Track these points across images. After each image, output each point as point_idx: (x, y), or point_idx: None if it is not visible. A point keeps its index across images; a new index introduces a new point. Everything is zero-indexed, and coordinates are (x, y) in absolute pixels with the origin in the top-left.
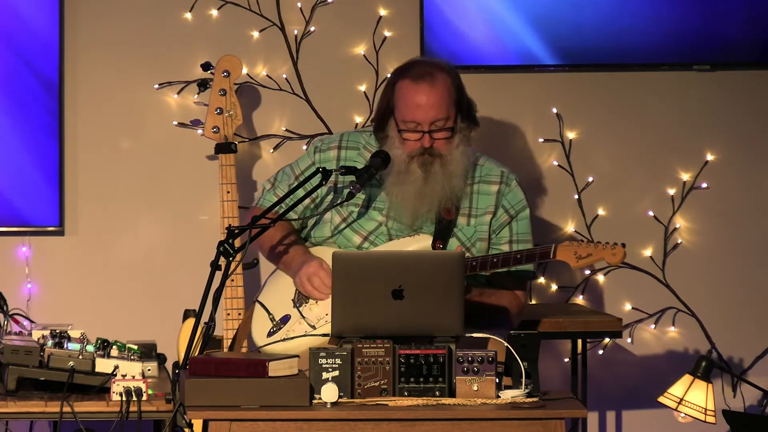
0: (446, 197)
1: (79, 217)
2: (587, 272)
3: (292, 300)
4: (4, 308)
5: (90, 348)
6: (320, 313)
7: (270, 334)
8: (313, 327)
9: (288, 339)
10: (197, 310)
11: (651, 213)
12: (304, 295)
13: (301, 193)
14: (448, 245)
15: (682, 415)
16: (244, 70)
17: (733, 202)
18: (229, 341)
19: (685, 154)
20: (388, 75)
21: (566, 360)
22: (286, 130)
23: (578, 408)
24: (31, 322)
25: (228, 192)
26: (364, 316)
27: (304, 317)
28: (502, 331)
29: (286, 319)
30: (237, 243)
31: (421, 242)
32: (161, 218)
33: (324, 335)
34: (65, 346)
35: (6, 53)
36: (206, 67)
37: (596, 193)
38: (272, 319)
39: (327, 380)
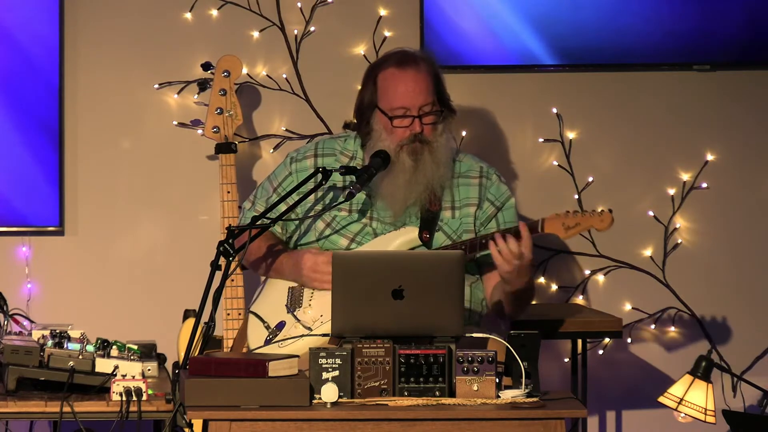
0: (433, 186)
1: (79, 217)
2: (587, 272)
3: (286, 306)
4: (4, 308)
5: (90, 348)
6: (315, 315)
7: (267, 342)
8: (309, 329)
9: (283, 341)
10: (197, 310)
11: (651, 213)
12: (297, 300)
13: (296, 197)
14: (434, 238)
15: (682, 415)
16: (244, 70)
17: (733, 202)
18: (230, 341)
19: (685, 154)
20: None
21: (566, 360)
22: (286, 130)
23: (578, 408)
24: (31, 322)
25: (228, 192)
26: (364, 316)
27: (299, 321)
28: (501, 331)
29: (281, 325)
30: (240, 240)
31: (406, 234)
32: (161, 218)
33: (324, 335)
34: (65, 346)
35: (6, 53)
36: (206, 67)
37: (596, 193)
38: (267, 327)
39: (327, 380)
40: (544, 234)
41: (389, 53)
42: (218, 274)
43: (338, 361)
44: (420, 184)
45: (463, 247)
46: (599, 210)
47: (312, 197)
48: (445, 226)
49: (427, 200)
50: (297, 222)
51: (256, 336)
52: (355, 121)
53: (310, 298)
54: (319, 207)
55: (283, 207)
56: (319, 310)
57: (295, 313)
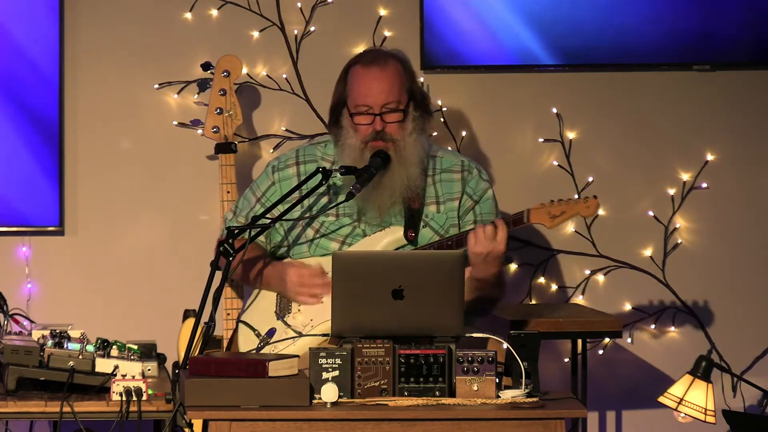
0: (406, 186)
1: (79, 217)
2: (587, 272)
3: (275, 312)
4: (4, 308)
5: (90, 348)
6: (304, 320)
7: (258, 350)
8: (300, 334)
9: (274, 344)
10: (197, 310)
11: (651, 213)
12: (286, 306)
13: (282, 207)
14: (419, 235)
15: (682, 415)
16: (244, 70)
17: (733, 202)
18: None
19: (685, 154)
20: None
21: (566, 360)
22: (286, 130)
23: (578, 408)
24: (31, 322)
25: (228, 192)
26: (364, 316)
27: (289, 326)
28: (501, 331)
29: (271, 332)
30: (237, 243)
31: (392, 234)
32: (161, 218)
33: (324, 335)
34: (65, 346)
35: (6, 53)
36: (206, 67)
37: (596, 193)
38: (258, 335)
39: (327, 380)
40: (531, 224)
41: (364, 51)
42: (218, 274)
43: (338, 361)
44: (389, 186)
45: (450, 243)
46: (584, 197)
47: (300, 205)
48: (432, 222)
49: (408, 199)
50: (282, 232)
51: (246, 345)
52: (330, 119)
53: (299, 304)
54: (308, 214)
55: (297, 196)
56: (308, 315)
57: (284, 320)
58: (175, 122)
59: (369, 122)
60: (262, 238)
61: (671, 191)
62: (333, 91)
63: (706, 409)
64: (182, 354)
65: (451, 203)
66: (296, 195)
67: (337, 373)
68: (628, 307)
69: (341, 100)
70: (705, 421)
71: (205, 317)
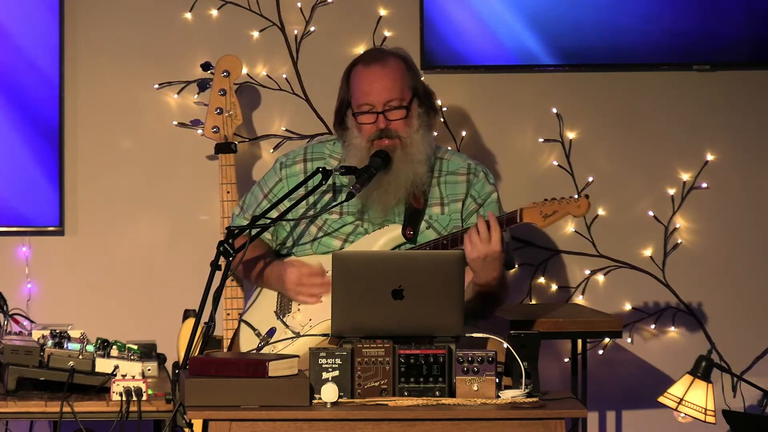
0: (412, 183)
1: (79, 217)
2: (587, 272)
3: (275, 312)
4: (4, 308)
5: (90, 348)
6: (303, 319)
7: (258, 350)
8: (297, 334)
9: (274, 344)
10: (197, 310)
11: (651, 213)
12: (286, 306)
13: (288, 203)
14: (420, 233)
15: (682, 415)
16: (244, 70)
17: (733, 202)
18: (228, 341)
19: (685, 154)
20: None
21: (566, 360)
22: (286, 130)
23: (578, 408)
24: (31, 322)
25: (228, 192)
26: (364, 316)
27: (288, 326)
28: (501, 331)
29: (272, 332)
30: (237, 243)
31: (391, 232)
32: (161, 218)
33: (325, 335)
34: (65, 346)
35: (6, 53)
36: (206, 67)
37: (596, 193)
38: (258, 335)
39: (327, 380)
40: (523, 224)
41: (364, 52)
42: (218, 274)
43: (338, 361)
44: (394, 184)
45: (445, 242)
46: (576, 197)
47: (304, 203)
48: (435, 223)
49: (411, 197)
50: (288, 229)
51: (247, 345)
52: (335, 121)
53: (299, 303)
54: (311, 213)
55: (274, 214)
56: (307, 314)
57: (284, 319)
58: (175, 122)
59: (372, 121)
60: (268, 235)
61: (671, 191)
62: (336, 93)
63: (706, 409)
64: (182, 354)
65: (454, 205)
66: (301, 192)
67: (337, 373)
68: (628, 307)
69: (345, 101)
70: (705, 421)
71: (205, 317)
